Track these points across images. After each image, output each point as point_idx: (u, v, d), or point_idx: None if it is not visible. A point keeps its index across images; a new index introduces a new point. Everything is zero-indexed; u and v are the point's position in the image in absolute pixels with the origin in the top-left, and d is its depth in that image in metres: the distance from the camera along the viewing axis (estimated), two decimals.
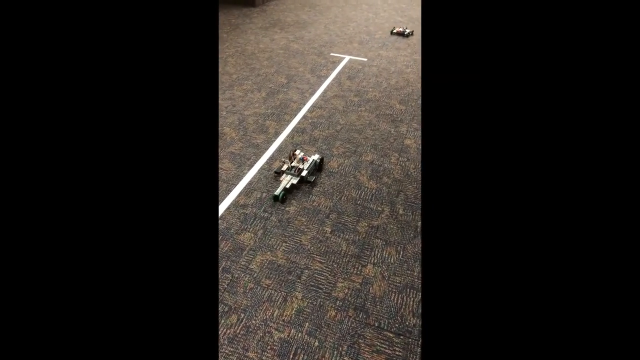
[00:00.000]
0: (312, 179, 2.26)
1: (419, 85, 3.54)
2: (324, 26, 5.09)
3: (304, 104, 3.18)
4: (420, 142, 2.72)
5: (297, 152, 2.39)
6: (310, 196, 2.19)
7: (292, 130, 2.82)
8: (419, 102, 3.25)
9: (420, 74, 3.77)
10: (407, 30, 4.82)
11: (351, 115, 3.04)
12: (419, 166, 2.46)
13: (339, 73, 3.76)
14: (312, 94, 3.35)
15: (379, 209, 2.12)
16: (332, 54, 4.21)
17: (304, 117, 2.99)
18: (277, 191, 2.14)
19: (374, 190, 2.25)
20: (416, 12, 5.79)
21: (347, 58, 4.11)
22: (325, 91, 3.41)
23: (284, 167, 2.30)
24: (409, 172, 2.41)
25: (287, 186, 2.17)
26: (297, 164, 2.31)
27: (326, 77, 3.67)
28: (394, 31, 4.86)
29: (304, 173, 2.23)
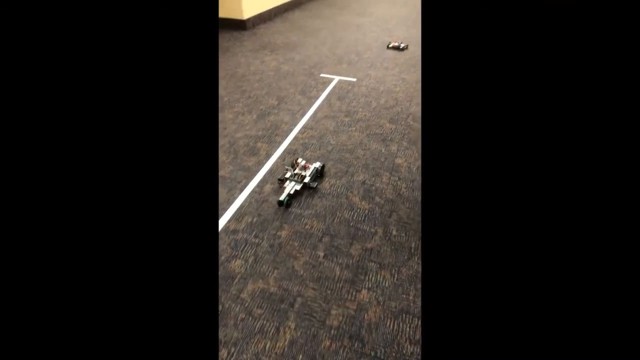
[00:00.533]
0: (315, 184, 2.39)
1: (408, 104, 3.59)
2: (313, 47, 5.19)
3: (295, 125, 3.19)
4: (410, 161, 2.73)
5: (300, 160, 2.53)
6: (303, 219, 2.16)
7: (284, 151, 2.81)
8: (409, 120, 3.29)
9: (408, 93, 3.83)
10: (402, 45, 5.18)
11: (342, 135, 3.05)
12: (411, 185, 2.46)
13: (329, 94, 3.80)
14: (302, 115, 3.37)
15: (372, 230, 2.09)
16: (322, 74, 4.27)
17: (295, 138, 3.00)
18: (282, 197, 2.24)
19: (366, 211, 2.23)
20: (402, 32, 5.95)
21: (336, 79, 4.17)
22: (315, 112, 3.43)
23: (287, 175, 2.43)
24: (401, 192, 2.40)
25: (291, 192, 2.29)
26: (300, 171, 2.44)
27: (316, 97, 3.71)
28: (390, 45, 5.24)
29: (306, 179, 2.37)
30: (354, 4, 7.90)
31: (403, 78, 4.21)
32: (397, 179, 2.53)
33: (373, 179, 2.53)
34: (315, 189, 2.42)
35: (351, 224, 2.13)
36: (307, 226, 2.11)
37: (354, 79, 4.16)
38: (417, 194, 2.38)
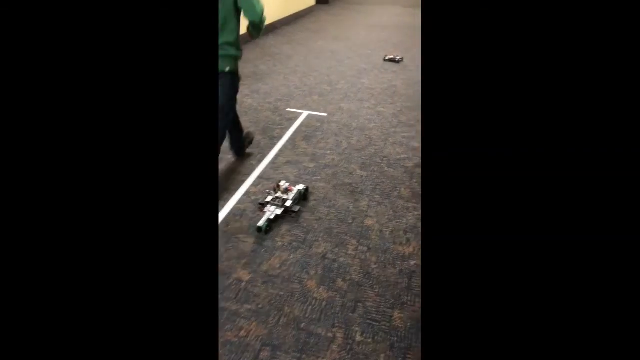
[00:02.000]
0: (297, 209, 2.27)
1: (383, 144, 3.15)
2: (283, 77, 4.79)
3: (249, 176, 2.70)
4: (382, 222, 2.25)
5: (282, 182, 2.38)
6: (238, 320, 1.63)
7: (228, 214, 2.31)
8: (382, 165, 2.84)
9: (384, 129, 3.40)
10: (398, 57, 5.40)
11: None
12: (382, 259, 1.97)
13: (295, 133, 3.35)
14: (260, 161, 2.89)
15: (329, 335, 1.58)
16: (288, 109, 3.84)
17: (247, 193, 2.50)
18: (261, 222, 2.10)
19: (324, 303, 1.72)
20: (380, 58, 5.62)
21: (305, 114, 3.74)
22: (276, 157, 2.96)
23: (268, 198, 2.29)
24: (370, 270, 1.90)
25: (272, 217, 2.15)
26: (282, 195, 2.30)
27: (279, 138, 3.25)
28: (386, 58, 5.45)
29: (288, 203, 2.24)
30: (331, 28, 7.64)
31: (379, 111, 3.81)
32: (366, 249, 2.04)
33: (336, 250, 2.03)
34: (297, 214, 2.27)
35: (302, 326, 1.62)
36: (242, 332, 1.59)
37: (325, 114, 3.74)
38: (390, 272, 1.89)
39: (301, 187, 2.37)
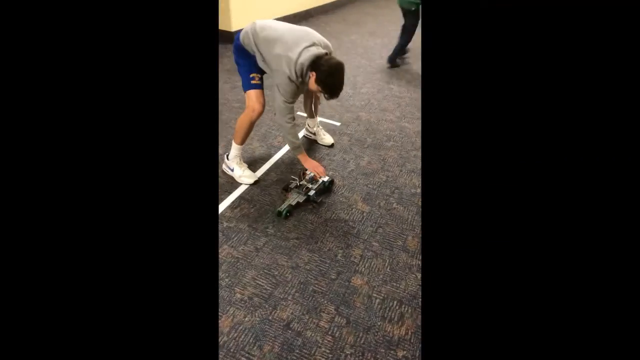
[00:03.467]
0: (319, 199, 2.24)
1: (398, 171, 2.62)
2: None
3: (230, 194, 2.30)
4: (374, 283, 1.77)
5: (308, 171, 2.34)
6: None
7: None
8: (391, 200, 2.33)
9: (402, 152, 2.86)
10: None
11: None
12: (362, 341, 1.50)
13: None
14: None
15: None
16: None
17: (220, 218, 2.10)
18: (282, 207, 2.11)
19: None
20: (416, 60, 4.98)
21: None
22: (268, 172, 2.53)
23: (293, 185, 2.28)
24: (342, 358, 1.44)
25: (293, 203, 2.15)
26: (307, 183, 2.28)
27: (279, 148, 2.81)
28: None
29: (311, 192, 2.21)
30: (370, 22, 7.00)
31: (402, 127, 3.25)
32: (344, 321, 1.58)
33: (306, 317, 1.59)
34: (319, 204, 2.23)
35: None
36: None
37: (338, 124, 3.24)
38: None
39: (326, 178, 2.33)
